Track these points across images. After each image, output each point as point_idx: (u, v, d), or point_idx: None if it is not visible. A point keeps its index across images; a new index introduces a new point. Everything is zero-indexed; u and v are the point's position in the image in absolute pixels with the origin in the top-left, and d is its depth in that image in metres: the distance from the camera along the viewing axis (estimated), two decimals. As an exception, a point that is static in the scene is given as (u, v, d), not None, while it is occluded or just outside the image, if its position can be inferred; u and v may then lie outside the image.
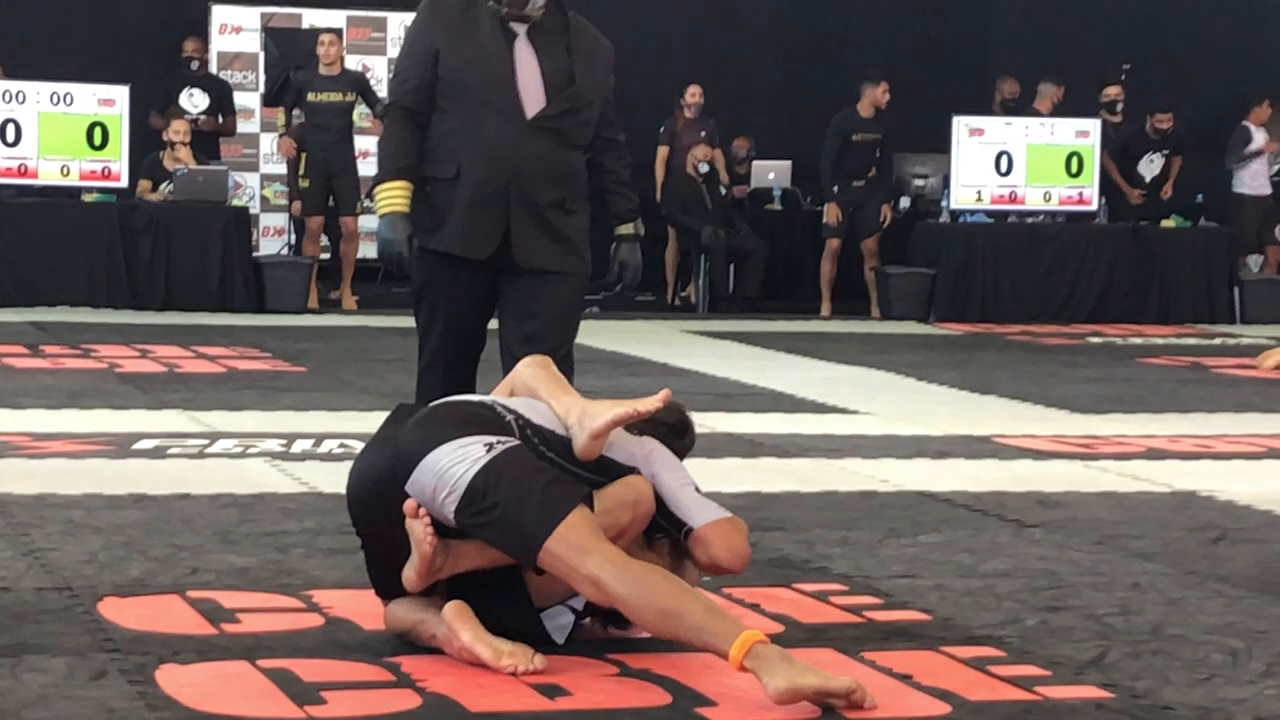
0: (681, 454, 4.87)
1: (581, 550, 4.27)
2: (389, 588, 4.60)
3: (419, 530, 4.39)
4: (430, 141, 5.74)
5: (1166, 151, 16.62)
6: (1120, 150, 16.59)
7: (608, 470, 4.61)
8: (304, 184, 15.36)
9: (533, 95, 5.68)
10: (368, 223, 16.29)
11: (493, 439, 4.43)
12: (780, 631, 4.76)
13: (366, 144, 15.37)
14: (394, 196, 5.73)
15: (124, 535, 5.82)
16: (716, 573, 4.72)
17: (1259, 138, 17.16)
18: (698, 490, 4.73)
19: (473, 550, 4.47)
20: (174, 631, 4.67)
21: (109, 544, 5.68)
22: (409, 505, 4.40)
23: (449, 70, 5.69)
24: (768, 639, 4.15)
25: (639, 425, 4.77)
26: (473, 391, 5.56)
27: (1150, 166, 16.61)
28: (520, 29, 5.71)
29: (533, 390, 4.76)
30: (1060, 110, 16.43)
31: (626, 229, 5.99)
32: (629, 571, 4.26)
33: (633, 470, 4.65)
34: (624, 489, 4.60)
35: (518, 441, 4.47)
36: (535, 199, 5.69)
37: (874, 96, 15.75)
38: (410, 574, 4.45)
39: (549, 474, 4.42)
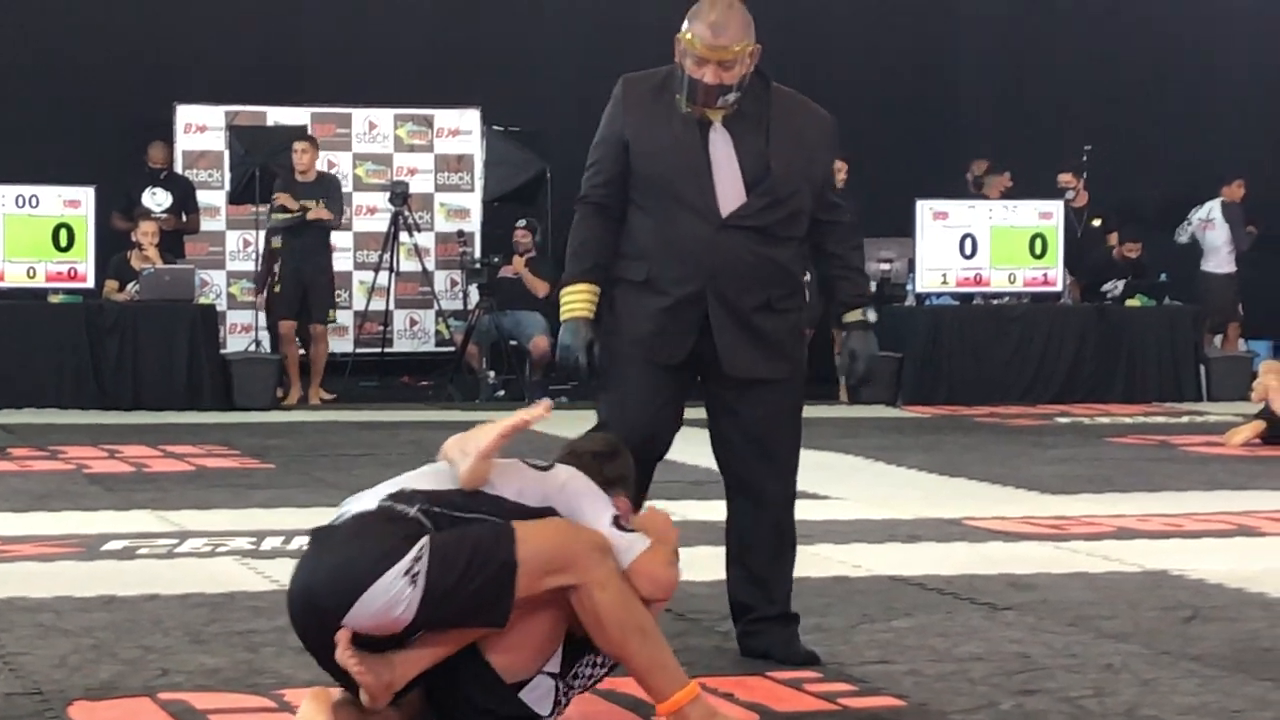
0: (615, 481, 4.75)
1: (567, 563, 4.35)
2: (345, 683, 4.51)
3: (350, 665, 4.31)
4: (622, 238, 5.38)
5: (1131, 279, 16.71)
6: (1092, 274, 16.69)
7: (518, 514, 4.45)
8: (276, 289, 15.36)
9: (729, 191, 5.29)
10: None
11: (409, 562, 4.31)
12: (755, 721, 4.75)
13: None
14: (579, 301, 5.38)
15: (93, 638, 5.78)
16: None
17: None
18: (617, 521, 4.55)
19: (418, 654, 4.41)
20: (145, 734, 4.64)
21: (79, 647, 5.65)
22: (339, 636, 4.31)
23: (639, 163, 5.33)
24: (699, 694, 4.45)
25: (569, 458, 4.72)
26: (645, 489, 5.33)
27: (1112, 289, 16.66)
28: (715, 116, 5.32)
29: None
30: (1016, 194, 16.55)
31: (854, 316, 5.60)
32: (622, 581, 4.38)
33: (548, 510, 4.51)
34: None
35: (427, 538, 4.36)
36: (737, 303, 5.31)
37: None
38: (364, 696, 4.37)
39: (477, 531, 4.37)
